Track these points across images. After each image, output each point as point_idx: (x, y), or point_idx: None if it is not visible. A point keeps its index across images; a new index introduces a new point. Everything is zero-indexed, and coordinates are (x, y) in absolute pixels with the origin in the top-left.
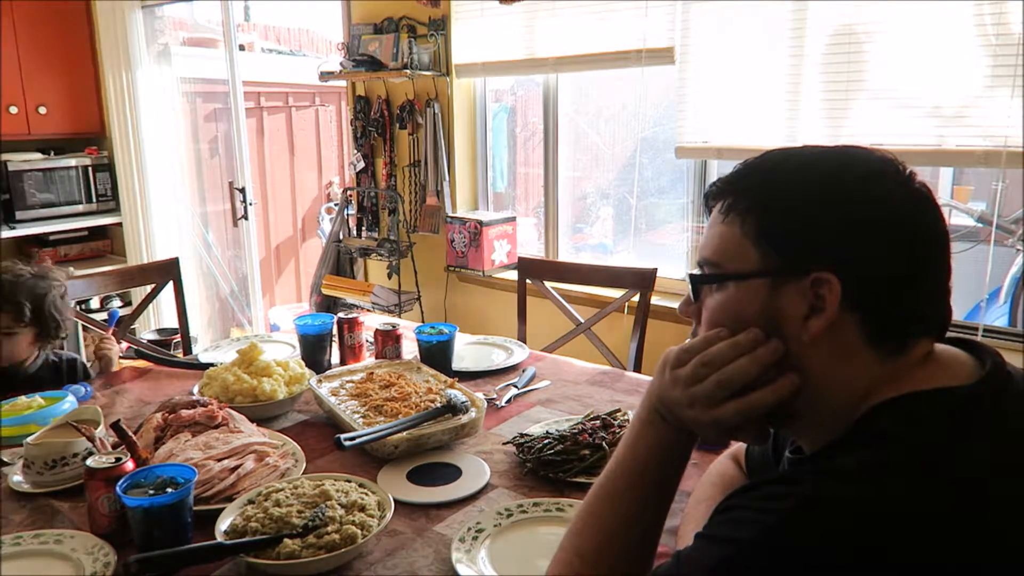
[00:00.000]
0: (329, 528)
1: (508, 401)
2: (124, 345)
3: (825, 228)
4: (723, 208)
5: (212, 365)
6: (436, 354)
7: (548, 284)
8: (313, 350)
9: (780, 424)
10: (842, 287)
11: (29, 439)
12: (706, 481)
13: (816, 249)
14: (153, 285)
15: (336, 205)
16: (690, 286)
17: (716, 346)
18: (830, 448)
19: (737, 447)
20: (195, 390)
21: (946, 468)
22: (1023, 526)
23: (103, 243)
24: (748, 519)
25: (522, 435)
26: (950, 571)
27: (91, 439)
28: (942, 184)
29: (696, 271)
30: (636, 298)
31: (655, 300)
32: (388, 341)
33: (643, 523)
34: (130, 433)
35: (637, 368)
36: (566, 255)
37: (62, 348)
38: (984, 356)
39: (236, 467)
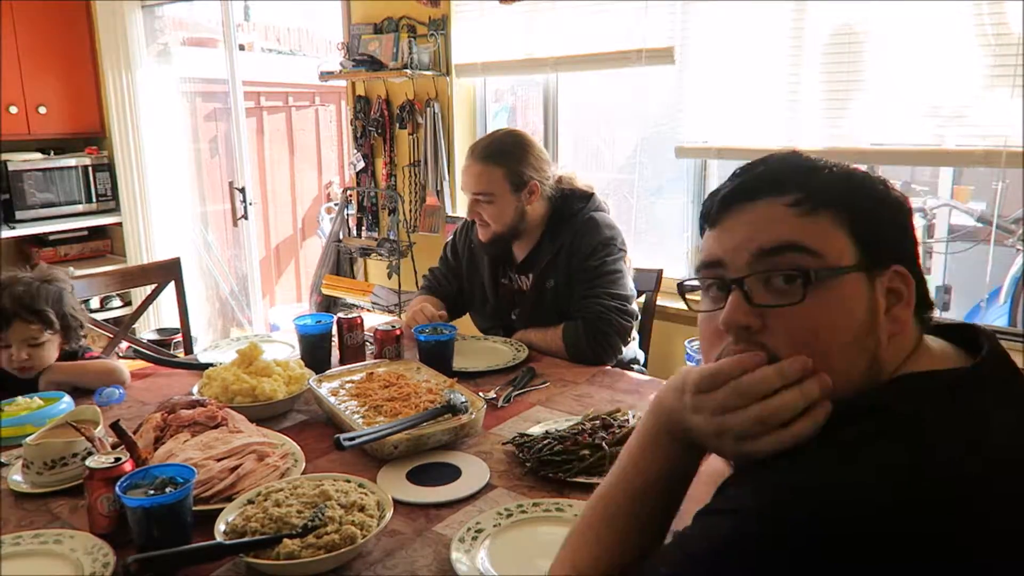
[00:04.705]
0: (329, 528)
1: (508, 401)
2: (124, 345)
3: (889, 225)
4: (795, 201)
5: (212, 365)
6: (436, 354)
7: None
8: (313, 350)
9: None
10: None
11: (29, 439)
12: (698, 481)
13: (890, 244)
14: (154, 285)
15: (336, 205)
16: (756, 282)
17: (757, 374)
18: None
19: None
20: (195, 390)
21: (944, 441)
22: (1014, 499)
23: (103, 243)
24: (750, 490)
25: (522, 435)
26: (942, 532)
27: (90, 439)
28: (942, 184)
29: (774, 259)
30: (641, 299)
31: (659, 301)
32: (388, 341)
33: (643, 540)
34: (130, 433)
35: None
36: None
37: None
38: (982, 340)
39: (236, 467)
